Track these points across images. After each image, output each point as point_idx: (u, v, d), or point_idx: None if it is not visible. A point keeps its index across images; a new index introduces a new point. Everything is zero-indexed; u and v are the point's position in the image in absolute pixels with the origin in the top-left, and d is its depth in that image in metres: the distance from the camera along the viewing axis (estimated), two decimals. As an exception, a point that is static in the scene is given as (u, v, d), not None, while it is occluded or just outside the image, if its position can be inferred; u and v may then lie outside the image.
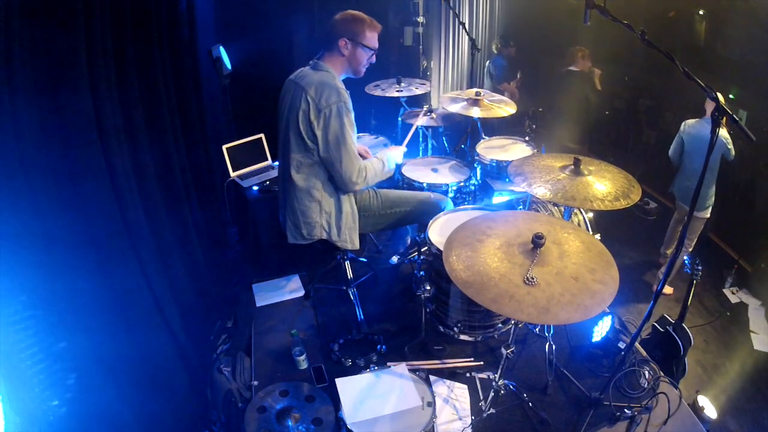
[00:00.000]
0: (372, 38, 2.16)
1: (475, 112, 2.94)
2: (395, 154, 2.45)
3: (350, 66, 2.20)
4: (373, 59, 2.22)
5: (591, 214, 2.73)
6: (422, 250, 2.36)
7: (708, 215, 3.40)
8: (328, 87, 2.06)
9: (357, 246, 2.36)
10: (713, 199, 3.36)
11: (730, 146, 3.15)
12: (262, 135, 3.36)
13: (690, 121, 3.39)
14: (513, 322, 2.27)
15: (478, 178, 3.00)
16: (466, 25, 4.52)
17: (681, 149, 3.46)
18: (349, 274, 2.57)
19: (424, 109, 3.29)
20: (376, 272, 2.94)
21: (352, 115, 2.13)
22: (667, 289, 3.70)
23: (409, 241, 3.09)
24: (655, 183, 4.72)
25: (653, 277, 3.88)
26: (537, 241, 1.59)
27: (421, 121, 3.12)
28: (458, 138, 3.84)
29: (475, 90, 3.12)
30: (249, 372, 2.32)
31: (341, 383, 1.96)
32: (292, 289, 2.86)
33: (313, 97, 2.05)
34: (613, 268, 1.61)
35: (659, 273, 3.81)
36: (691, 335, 2.61)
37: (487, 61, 5.46)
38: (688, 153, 3.40)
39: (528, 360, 2.33)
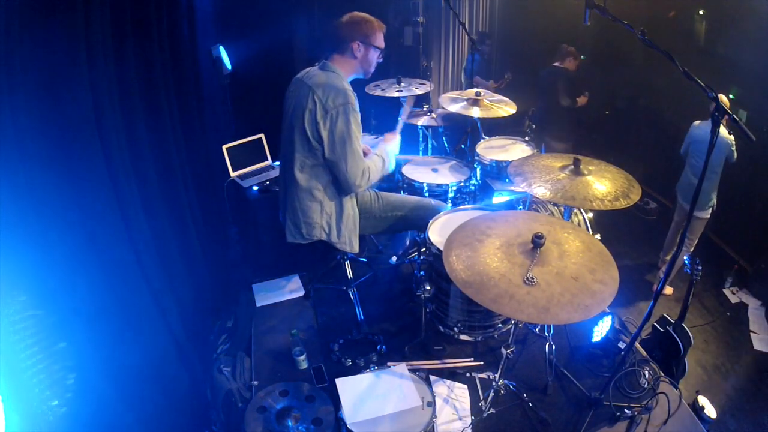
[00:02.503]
0: (380, 38, 2.18)
1: (475, 112, 2.94)
2: (392, 146, 2.44)
3: (361, 67, 2.21)
4: (381, 59, 2.24)
5: (591, 214, 2.73)
6: (422, 250, 2.36)
7: (708, 216, 3.40)
8: (335, 88, 2.06)
9: (356, 249, 2.35)
10: (715, 200, 3.36)
11: (734, 149, 3.16)
12: (262, 135, 3.36)
13: (698, 123, 3.40)
14: (513, 322, 2.27)
15: (478, 178, 3.00)
16: (466, 25, 4.53)
17: (689, 148, 3.47)
18: (349, 274, 2.57)
19: (423, 107, 3.29)
20: (375, 272, 2.94)
21: (359, 116, 2.13)
22: (667, 289, 3.70)
23: (408, 241, 3.09)
24: (655, 183, 4.72)
25: (653, 277, 3.88)
26: (537, 241, 1.59)
27: (410, 102, 3.02)
28: (458, 138, 3.84)
29: (475, 90, 3.12)
30: (249, 372, 2.32)
31: (341, 383, 1.96)
32: (292, 289, 2.86)
33: (321, 98, 2.05)
34: (613, 268, 1.61)
35: (659, 273, 3.81)
36: (691, 335, 2.61)
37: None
38: (693, 154, 3.41)
39: (528, 360, 2.33)
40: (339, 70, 2.15)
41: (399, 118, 2.67)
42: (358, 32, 2.12)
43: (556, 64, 4.33)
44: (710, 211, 3.39)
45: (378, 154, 2.31)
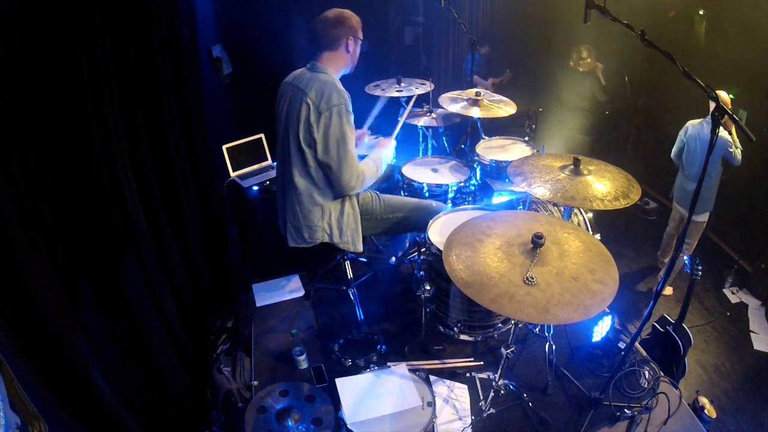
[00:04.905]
0: (361, 31, 2.22)
1: (475, 112, 2.94)
2: (387, 152, 2.43)
3: (351, 62, 2.23)
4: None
5: (591, 214, 2.73)
6: (422, 250, 2.36)
7: (705, 219, 3.38)
8: (328, 88, 2.05)
9: (360, 249, 2.35)
10: (713, 203, 3.34)
11: (733, 149, 3.10)
12: (262, 135, 3.36)
13: (692, 122, 3.37)
14: (513, 322, 2.26)
15: (478, 178, 2.99)
16: (466, 25, 4.52)
17: (681, 151, 3.45)
18: (349, 274, 2.57)
19: (422, 107, 3.28)
20: (376, 272, 2.93)
21: (352, 117, 2.12)
22: (667, 290, 3.69)
23: (408, 241, 3.09)
24: (655, 183, 4.71)
25: (653, 277, 3.88)
26: (537, 241, 1.59)
27: (407, 112, 3.00)
28: (458, 138, 3.84)
29: (475, 90, 3.12)
30: (249, 372, 2.32)
31: (341, 383, 1.96)
32: (292, 289, 2.86)
33: (314, 100, 2.04)
34: (613, 268, 1.61)
35: (659, 273, 3.80)
36: (691, 335, 2.61)
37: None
38: (688, 154, 3.38)
39: (528, 360, 2.33)
40: (329, 69, 2.14)
41: (399, 117, 2.66)
42: (350, 28, 2.15)
43: (577, 67, 4.40)
44: (707, 214, 3.37)
45: (372, 159, 2.29)
